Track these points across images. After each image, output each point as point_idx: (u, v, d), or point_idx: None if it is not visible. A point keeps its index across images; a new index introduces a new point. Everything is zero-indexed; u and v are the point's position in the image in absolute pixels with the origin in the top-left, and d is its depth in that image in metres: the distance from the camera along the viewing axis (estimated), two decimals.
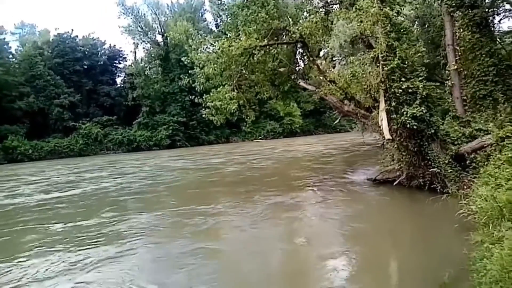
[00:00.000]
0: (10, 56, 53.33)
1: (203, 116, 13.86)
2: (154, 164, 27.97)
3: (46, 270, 6.36)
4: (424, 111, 9.27)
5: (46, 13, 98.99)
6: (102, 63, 60.40)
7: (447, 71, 11.61)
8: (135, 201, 13.07)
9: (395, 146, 10.58)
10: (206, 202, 11.25)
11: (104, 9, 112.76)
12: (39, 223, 10.16)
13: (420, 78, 9.65)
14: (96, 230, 8.86)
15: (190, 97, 14.92)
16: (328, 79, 13.17)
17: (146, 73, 55.87)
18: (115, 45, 63.34)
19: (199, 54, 13.15)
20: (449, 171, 9.46)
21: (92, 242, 7.89)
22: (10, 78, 46.08)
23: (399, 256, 6.71)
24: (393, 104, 9.74)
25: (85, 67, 57.09)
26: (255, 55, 12.25)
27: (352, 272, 5.76)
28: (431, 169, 9.68)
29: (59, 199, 13.78)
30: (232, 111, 12.59)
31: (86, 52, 58.29)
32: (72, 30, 57.58)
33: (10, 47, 54.43)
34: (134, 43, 57.87)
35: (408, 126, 9.40)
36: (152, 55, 56.76)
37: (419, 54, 10.15)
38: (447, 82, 11.60)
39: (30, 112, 47.37)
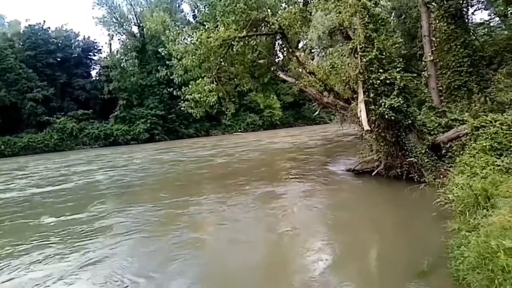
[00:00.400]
0: None
1: (182, 109, 13.68)
2: (142, 157, 27.80)
3: (41, 262, 6.50)
4: (401, 102, 9.36)
5: (16, 4, 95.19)
6: (76, 55, 58.49)
7: (423, 62, 11.80)
8: (129, 193, 13.04)
9: (374, 137, 10.71)
10: (198, 193, 11.38)
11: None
12: (36, 217, 10.09)
13: (397, 69, 9.73)
14: (91, 223, 8.93)
15: (169, 89, 14.67)
16: (307, 71, 13.18)
17: (122, 65, 54.45)
18: (89, 37, 61.67)
19: (176, 45, 12.88)
20: (426, 160, 9.65)
21: (89, 234, 7.99)
22: None
23: (379, 245, 6.79)
24: (372, 95, 9.81)
25: (59, 59, 55.26)
26: (234, 47, 12.09)
27: (333, 261, 5.79)
28: (409, 159, 9.85)
29: (54, 193, 13.78)
30: (211, 104, 12.44)
31: (59, 44, 56.31)
32: (44, 21, 55.48)
33: None
34: (109, 34, 56.36)
35: (386, 117, 9.50)
36: (128, 47, 55.33)
37: (397, 45, 10.25)
38: (423, 73, 11.80)
39: (1, 106, 45.53)
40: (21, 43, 52.75)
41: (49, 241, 7.70)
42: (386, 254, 6.17)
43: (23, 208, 11.55)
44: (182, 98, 13.10)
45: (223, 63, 13.17)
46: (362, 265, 5.80)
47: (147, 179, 16.03)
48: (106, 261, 6.35)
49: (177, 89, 13.37)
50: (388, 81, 9.56)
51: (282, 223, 7.99)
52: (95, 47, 61.61)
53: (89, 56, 61.27)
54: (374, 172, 11.28)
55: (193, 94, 12.33)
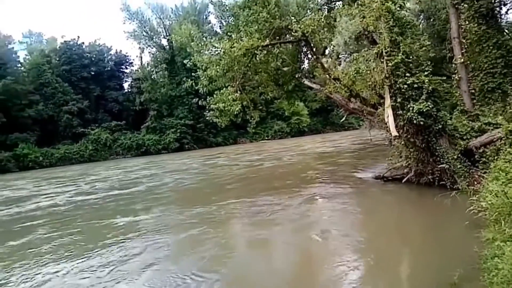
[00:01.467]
0: (19, 65, 54.06)
1: (207, 118, 13.83)
2: (196, 162, 29.65)
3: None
4: (430, 106, 9.06)
5: (53, 21, 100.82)
6: (109, 69, 60.99)
7: (453, 65, 11.35)
8: (197, 194, 14.36)
9: (402, 142, 10.40)
10: (252, 195, 12.08)
11: (109, 15, 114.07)
12: (127, 213, 11.44)
13: (425, 73, 9.45)
14: (169, 219, 10.19)
15: (196, 99, 14.89)
16: (332, 77, 13.04)
17: (152, 77, 56.33)
18: (121, 51, 64.10)
19: (201, 56, 13.12)
20: (458, 166, 9.25)
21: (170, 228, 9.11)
22: (19, 86, 46.72)
23: (409, 254, 6.58)
24: (399, 100, 9.55)
25: (93, 73, 57.71)
26: (258, 55, 12.15)
27: (362, 271, 5.66)
28: (440, 165, 9.48)
29: (132, 194, 15.42)
30: (235, 113, 12.52)
31: (93, 59, 58.93)
32: (78, 37, 58.41)
33: (18, 56, 55.14)
34: (140, 47, 58.43)
35: (414, 122, 9.21)
36: (158, 59, 57.12)
37: (424, 48, 9.94)
38: (454, 76, 11.34)
39: (39, 119, 48.02)
40: (57, 59, 55.60)
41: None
42: (416, 264, 5.98)
43: (107, 207, 13.00)
44: (207, 108, 13.29)
45: (247, 72, 13.26)
46: (391, 275, 5.62)
47: (211, 181, 17.68)
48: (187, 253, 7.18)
49: (203, 99, 13.56)
50: (415, 85, 9.28)
51: (310, 230, 7.93)
52: (127, 60, 63.92)
53: (121, 69, 63.61)
54: (404, 179, 10.94)
55: (217, 104, 12.48)
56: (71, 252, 7.75)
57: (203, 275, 5.87)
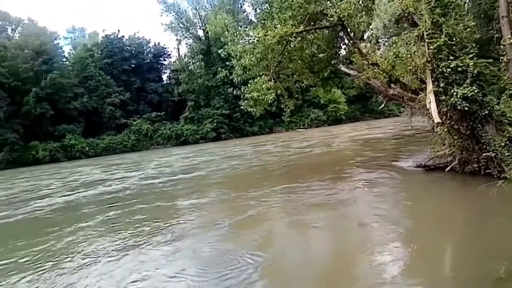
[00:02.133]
0: (64, 60, 57.12)
1: (242, 107, 13.87)
2: (245, 149, 30.84)
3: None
4: (475, 90, 8.52)
5: (94, 16, 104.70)
6: (148, 61, 62.75)
7: (501, 46, 10.50)
8: (252, 178, 15.05)
9: (446, 129, 9.93)
10: (305, 179, 12.37)
11: (147, 8, 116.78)
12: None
13: (470, 55, 8.86)
14: (228, 201, 11.00)
15: (231, 89, 14.98)
16: (370, 62, 12.60)
17: (189, 68, 57.31)
18: (159, 43, 65.64)
19: (235, 45, 13.10)
20: (506, 154, 8.65)
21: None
22: (65, 80, 49.37)
23: (452, 246, 6.30)
24: (442, 84, 9.07)
25: (133, 66, 59.71)
26: (292, 42, 11.92)
27: (404, 261, 5.53)
28: (486, 153, 8.95)
29: (194, 179, 16.94)
30: (270, 102, 12.45)
31: (133, 52, 60.88)
32: (119, 30, 60.51)
33: (64, 51, 58.32)
34: (177, 39, 59.68)
35: (458, 107, 8.72)
36: (195, 50, 57.91)
37: (469, 29, 9.29)
38: (502, 58, 10.51)
39: (84, 111, 50.66)
40: (100, 52, 58.00)
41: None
42: (460, 257, 5.75)
43: (178, 189, 14.28)
44: (242, 97, 13.32)
45: (281, 60, 13.08)
46: (434, 266, 5.41)
47: (271, 165, 18.15)
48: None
49: (238, 89, 13.60)
50: (459, 69, 8.76)
51: (354, 217, 7.96)
52: (165, 52, 65.37)
53: (159, 61, 65.20)
54: (448, 168, 10.44)
55: (252, 93, 12.47)
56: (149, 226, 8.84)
57: (255, 254, 6.14)
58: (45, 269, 6.58)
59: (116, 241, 7.84)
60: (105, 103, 52.46)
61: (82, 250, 7.45)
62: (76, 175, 24.59)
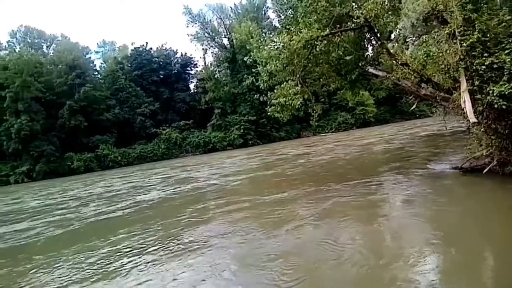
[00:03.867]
0: (96, 73, 59.45)
1: (269, 113, 13.84)
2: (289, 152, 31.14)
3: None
4: None
5: (124, 30, 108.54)
6: (176, 71, 64.27)
7: None
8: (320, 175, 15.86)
9: (482, 129, 9.51)
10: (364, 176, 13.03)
11: (174, 19, 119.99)
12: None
13: (507, 51, 8.44)
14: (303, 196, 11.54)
15: (258, 95, 14.99)
16: (399, 62, 12.30)
17: (216, 76, 58.15)
18: (186, 53, 67.25)
19: (261, 52, 13.12)
20: None
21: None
22: (97, 93, 51.36)
23: (491, 252, 5.99)
24: (476, 83, 8.71)
25: (161, 76, 61.43)
26: (318, 46, 11.79)
27: (441, 267, 5.38)
28: None
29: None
30: (297, 107, 12.35)
31: (161, 63, 62.57)
32: (147, 43, 62.42)
33: (95, 64, 60.98)
34: (203, 49, 60.75)
35: (495, 106, 8.33)
36: (220, 59, 58.75)
37: (504, 23, 8.87)
38: None
39: (116, 122, 52.45)
40: (129, 65, 60.09)
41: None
42: (499, 264, 5.46)
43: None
44: (268, 103, 13.30)
45: (307, 65, 12.97)
46: (471, 273, 5.18)
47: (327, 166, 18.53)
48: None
49: (264, 95, 13.59)
50: (495, 66, 8.37)
51: (386, 228, 7.68)
52: (192, 62, 66.82)
53: (187, 71, 66.70)
54: (486, 170, 9.96)
55: (278, 99, 12.42)
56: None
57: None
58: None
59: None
60: (135, 113, 54.06)
61: None
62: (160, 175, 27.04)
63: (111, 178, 31.49)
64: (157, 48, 64.51)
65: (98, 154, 47.75)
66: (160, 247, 8.02)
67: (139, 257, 7.46)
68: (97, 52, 66.60)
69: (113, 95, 54.29)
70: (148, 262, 7.11)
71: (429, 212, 8.36)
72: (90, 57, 58.86)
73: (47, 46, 59.19)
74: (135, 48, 61.83)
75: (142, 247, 8.21)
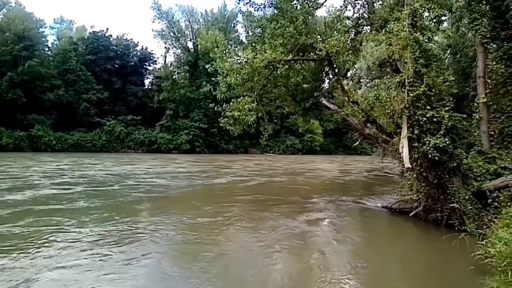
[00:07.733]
0: (46, 49, 55.57)
1: (221, 124, 13.81)
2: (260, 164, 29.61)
3: None
4: (447, 142, 8.87)
5: (85, 10, 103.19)
6: (132, 63, 62.10)
7: (475, 104, 11.08)
8: None
9: (415, 175, 10.19)
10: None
11: (140, 11, 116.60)
12: None
13: (446, 108, 9.29)
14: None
15: (213, 104, 14.91)
16: (351, 100, 12.94)
17: (173, 77, 57.04)
18: (146, 48, 65.46)
19: (223, 63, 13.17)
20: (469, 207, 8.98)
21: None
22: (44, 69, 47.88)
23: None
24: (416, 132, 9.40)
25: (116, 66, 59.01)
26: (279, 69, 12.12)
27: None
28: (450, 204, 9.23)
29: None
30: (250, 123, 12.47)
31: (119, 52, 60.23)
32: (107, 29, 60.14)
33: (47, 40, 56.90)
34: (165, 47, 59.30)
35: (429, 156, 9.02)
36: (182, 61, 57.82)
37: (448, 83, 9.78)
38: (474, 115, 11.07)
39: (58, 104, 49.05)
40: (84, 48, 57.08)
41: None
42: None
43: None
44: (222, 114, 13.29)
45: (266, 84, 13.23)
46: None
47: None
48: None
49: (219, 105, 13.56)
50: (435, 119, 9.13)
51: (311, 259, 7.66)
52: (151, 57, 65.08)
53: (144, 66, 64.75)
54: (412, 213, 10.66)
55: (233, 112, 12.47)
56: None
57: None
58: None
59: None
60: (81, 98, 51.07)
61: None
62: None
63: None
64: (117, 36, 62.16)
65: (32, 134, 44.03)
66: None
67: None
68: (52, 28, 62.28)
69: (60, 75, 50.82)
70: None
71: (353, 244, 8.72)
72: (43, 32, 54.75)
73: None
74: (94, 31, 59.00)
75: None
